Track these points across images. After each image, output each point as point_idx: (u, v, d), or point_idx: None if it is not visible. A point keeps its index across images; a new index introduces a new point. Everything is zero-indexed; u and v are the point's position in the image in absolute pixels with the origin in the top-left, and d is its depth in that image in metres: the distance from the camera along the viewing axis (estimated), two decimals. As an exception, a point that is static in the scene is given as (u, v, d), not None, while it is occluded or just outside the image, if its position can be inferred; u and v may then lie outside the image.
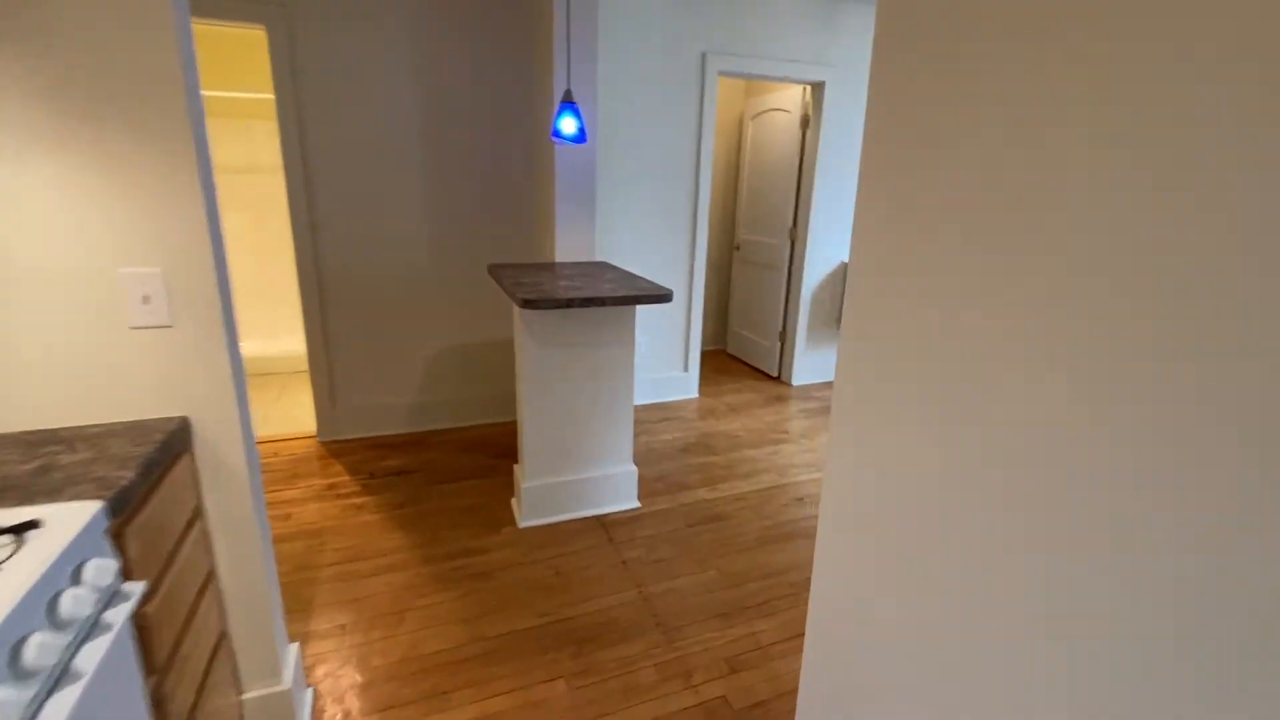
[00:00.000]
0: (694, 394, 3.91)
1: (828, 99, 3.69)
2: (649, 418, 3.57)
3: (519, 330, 2.23)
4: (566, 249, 2.87)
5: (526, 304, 1.96)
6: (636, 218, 3.50)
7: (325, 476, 2.73)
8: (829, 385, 4.17)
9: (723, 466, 2.96)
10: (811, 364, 4.19)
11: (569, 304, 2.00)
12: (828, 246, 4.00)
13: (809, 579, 2.01)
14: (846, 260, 4.38)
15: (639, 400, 3.78)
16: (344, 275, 2.93)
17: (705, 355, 4.83)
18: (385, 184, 2.90)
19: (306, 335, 2.94)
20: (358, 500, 2.54)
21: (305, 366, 3.99)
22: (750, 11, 3.41)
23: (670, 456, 3.05)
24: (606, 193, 3.39)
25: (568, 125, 2.15)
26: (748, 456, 3.07)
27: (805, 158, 3.87)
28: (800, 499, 2.67)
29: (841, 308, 4.30)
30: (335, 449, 3.00)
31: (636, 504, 2.56)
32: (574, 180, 2.80)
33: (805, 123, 3.84)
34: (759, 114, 4.29)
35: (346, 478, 2.72)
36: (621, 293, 2.09)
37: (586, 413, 2.37)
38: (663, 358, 3.80)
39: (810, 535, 2.39)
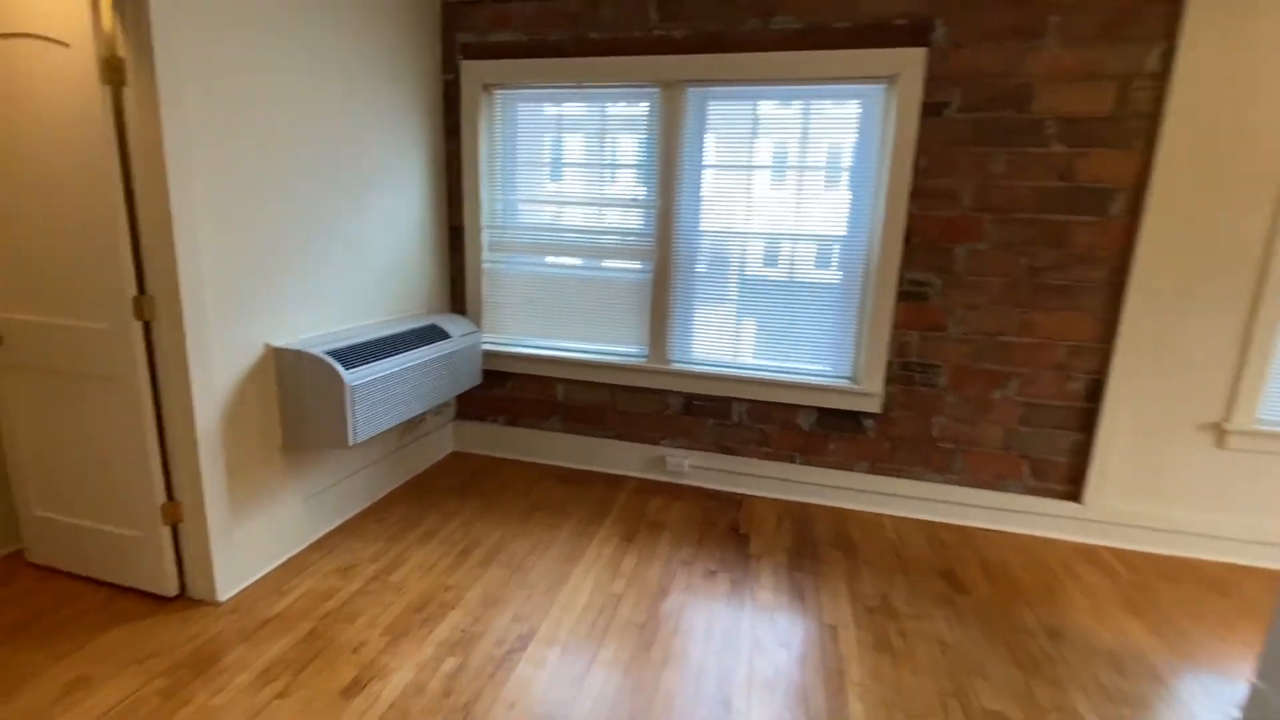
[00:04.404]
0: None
1: (162, 19, 1.74)
2: None
3: None
4: None
5: None
6: None
7: None
8: (299, 567, 2.29)
9: None
10: (249, 544, 2.21)
11: None
12: (241, 322, 2.08)
13: None
14: (281, 344, 2.23)
15: None
16: None
17: (-37, 588, 2.07)
18: None
19: None
20: None
21: None
22: None
23: None
24: None
25: None
26: None
27: (134, 149, 1.81)
28: None
29: (290, 411, 2.15)
30: None
31: None
32: None
33: (115, 72, 1.76)
34: (-26, 38, 1.86)
35: None
36: None
37: None
38: None
39: None
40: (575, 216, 3.09)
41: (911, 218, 2.64)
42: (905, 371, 2.79)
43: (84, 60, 1.73)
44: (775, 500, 3.01)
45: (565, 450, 3.31)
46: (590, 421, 3.26)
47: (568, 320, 3.22)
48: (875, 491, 2.92)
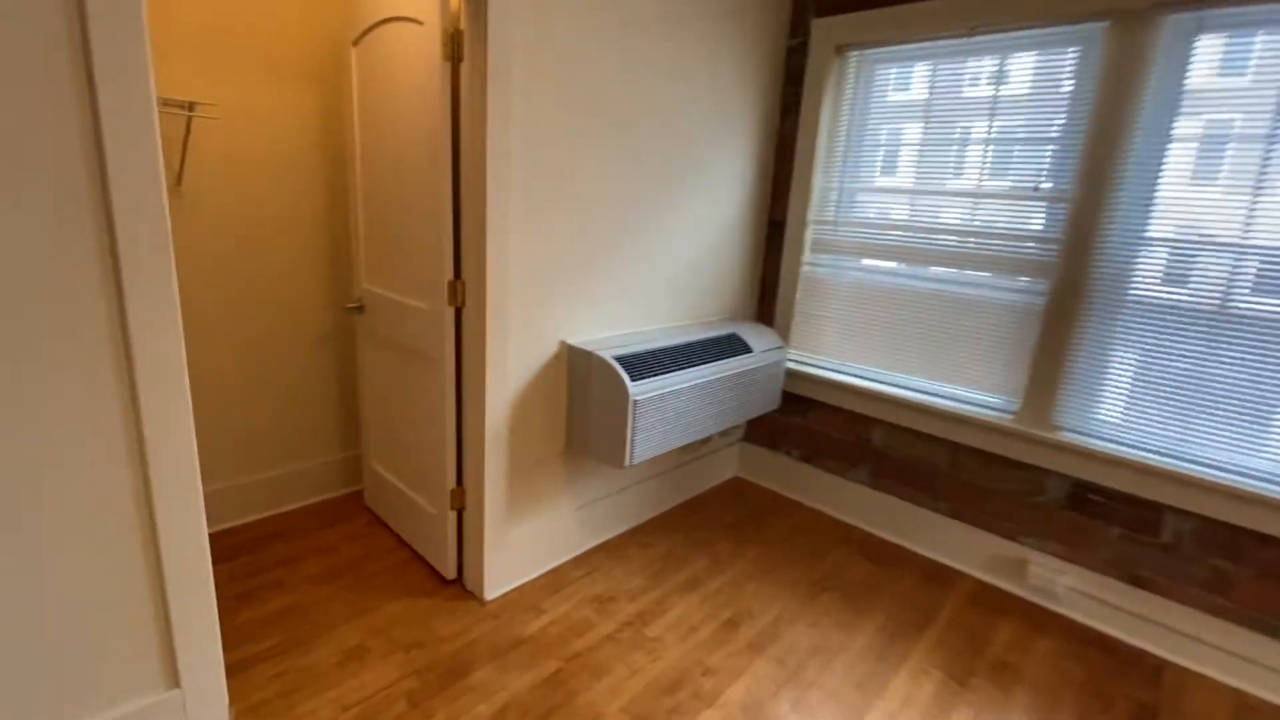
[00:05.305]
0: (208, 734, 1.50)
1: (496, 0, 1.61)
2: None
3: None
4: None
5: None
6: None
7: None
8: (559, 583, 2.13)
9: None
10: (520, 546, 2.10)
11: None
12: (540, 315, 1.94)
13: None
14: (575, 341, 1.85)
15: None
16: None
17: (326, 506, 2.41)
18: None
19: None
20: None
21: None
22: None
23: None
24: None
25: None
26: None
27: (463, 126, 1.74)
28: None
29: (575, 415, 1.98)
30: None
31: None
32: None
33: (454, 47, 1.70)
34: (370, 30, 2.02)
35: None
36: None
37: None
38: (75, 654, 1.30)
39: None
40: (933, 211, 2.32)
41: None
42: None
43: (432, 37, 1.70)
44: (1229, 689, 1.83)
45: (873, 511, 2.60)
46: (914, 484, 2.48)
47: (901, 345, 2.47)
48: None
